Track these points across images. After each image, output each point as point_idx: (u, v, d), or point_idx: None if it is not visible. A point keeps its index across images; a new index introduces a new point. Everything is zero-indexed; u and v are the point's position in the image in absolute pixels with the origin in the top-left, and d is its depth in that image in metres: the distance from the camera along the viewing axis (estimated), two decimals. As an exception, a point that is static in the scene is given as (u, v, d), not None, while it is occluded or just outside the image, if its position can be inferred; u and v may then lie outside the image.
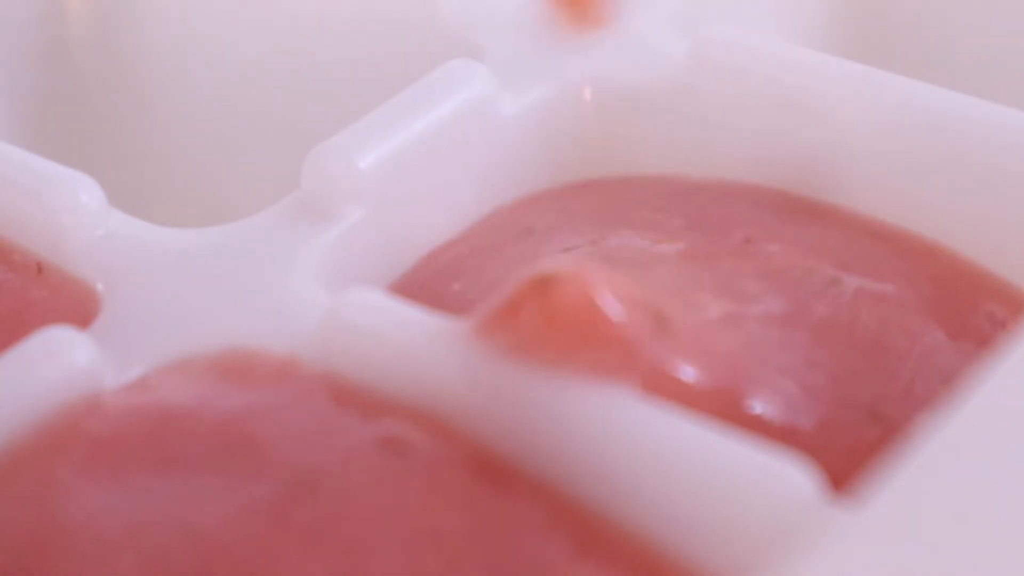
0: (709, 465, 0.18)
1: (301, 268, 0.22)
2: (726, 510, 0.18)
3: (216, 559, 0.18)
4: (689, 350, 0.20)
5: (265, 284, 0.22)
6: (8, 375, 0.20)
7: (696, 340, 0.20)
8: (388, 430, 0.19)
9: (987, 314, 0.22)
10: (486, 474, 0.19)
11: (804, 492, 0.18)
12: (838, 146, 0.24)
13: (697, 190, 0.25)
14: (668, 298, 0.21)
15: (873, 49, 0.32)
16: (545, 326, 0.19)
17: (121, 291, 0.22)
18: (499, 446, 0.19)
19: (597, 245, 0.23)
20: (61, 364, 0.20)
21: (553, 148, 0.26)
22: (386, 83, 0.25)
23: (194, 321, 0.22)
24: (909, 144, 0.24)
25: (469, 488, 0.19)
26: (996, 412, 0.18)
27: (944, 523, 0.17)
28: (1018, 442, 0.18)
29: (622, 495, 0.18)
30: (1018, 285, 0.23)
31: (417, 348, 0.20)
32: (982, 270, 0.23)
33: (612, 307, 0.19)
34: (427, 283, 0.23)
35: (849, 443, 0.20)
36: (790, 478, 0.18)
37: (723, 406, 0.20)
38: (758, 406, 0.20)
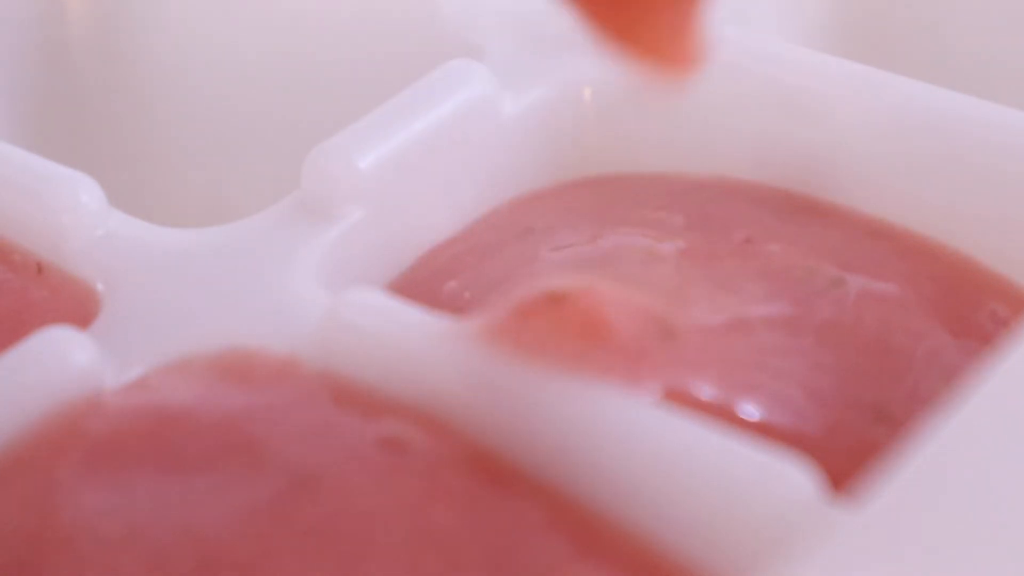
0: (709, 465, 0.18)
1: (301, 268, 0.22)
2: (726, 510, 0.18)
3: (216, 559, 0.18)
4: (696, 360, 0.20)
5: (265, 284, 0.22)
6: (8, 375, 0.20)
7: (703, 350, 0.20)
8: (388, 430, 0.19)
9: (989, 313, 0.22)
10: (486, 474, 0.19)
11: (804, 492, 0.18)
12: (838, 146, 0.24)
13: (697, 189, 0.25)
14: (673, 307, 0.21)
15: (873, 49, 0.32)
16: (554, 334, 0.19)
17: (121, 291, 0.22)
18: (499, 446, 0.19)
19: (596, 243, 0.23)
20: (61, 364, 0.20)
21: (553, 148, 0.26)
22: (386, 83, 0.25)
23: (194, 321, 0.22)
24: (909, 144, 0.24)
25: (469, 488, 0.19)
26: (997, 412, 0.18)
27: (944, 523, 0.17)
28: (1019, 442, 0.18)
29: (622, 495, 0.18)
30: (1020, 284, 0.23)
31: (417, 348, 0.20)
32: (984, 269, 0.23)
33: (621, 319, 0.19)
34: (426, 281, 0.23)
35: (855, 444, 0.20)
36: (790, 478, 0.18)
37: (730, 414, 0.19)
38: (765, 413, 0.20)
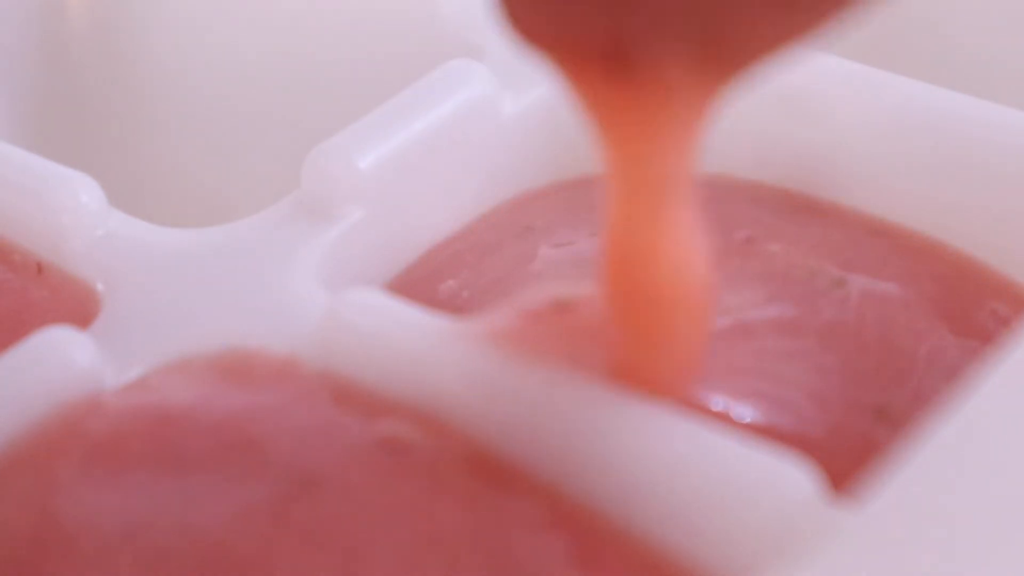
0: (710, 465, 0.18)
1: (301, 268, 0.22)
2: (727, 510, 0.18)
3: (216, 559, 0.18)
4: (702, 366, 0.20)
5: (265, 284, 0.22)
6: (8, 375, 0.20)
7: (708, 356, 0.20)
8: (388, 430, 0.19)
9: (990, 312, 0.22)
10: (485, 474, 0.19)
11: (805, 492, 0.18)
12: (838, 146, 0.24)
13: (697, 187, 0.25)
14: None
15: (873, 49, 0.32)
16: (560, 339, 0.19)
17: (121, 291, 0.22)
18: (499, 446, 0.19)
19: (595, 242, 0.23)
20: (61, 364, 0.20)
21: (553, 148, 0.26)
22: (386, 83, 0.25)
23: (194, 321, 0.22)
24: (909, 144, 0.24)
25: (468, 488, 0.19)
26: (998, 411, 0.18)
27: (944, 523, 0.17)
28: (1019, 441, 0.18)
29: (622, 495, 0.18)
30: (1020, 283, 0.23)
31: (417, 348, 0.20)
32: (984, 268, 0.23)
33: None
34: (425, 280, 0.23)
35: (858, 446, 0.20)
36: (791, 478, 0.18)
37: (733, 416, 0.19)
38: (768, 416, 0.20)
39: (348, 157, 0.23)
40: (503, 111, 0.25)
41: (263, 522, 0.18)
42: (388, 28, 0.30)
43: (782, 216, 0.24)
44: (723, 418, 0.20)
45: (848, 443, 0.20)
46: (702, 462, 0.18)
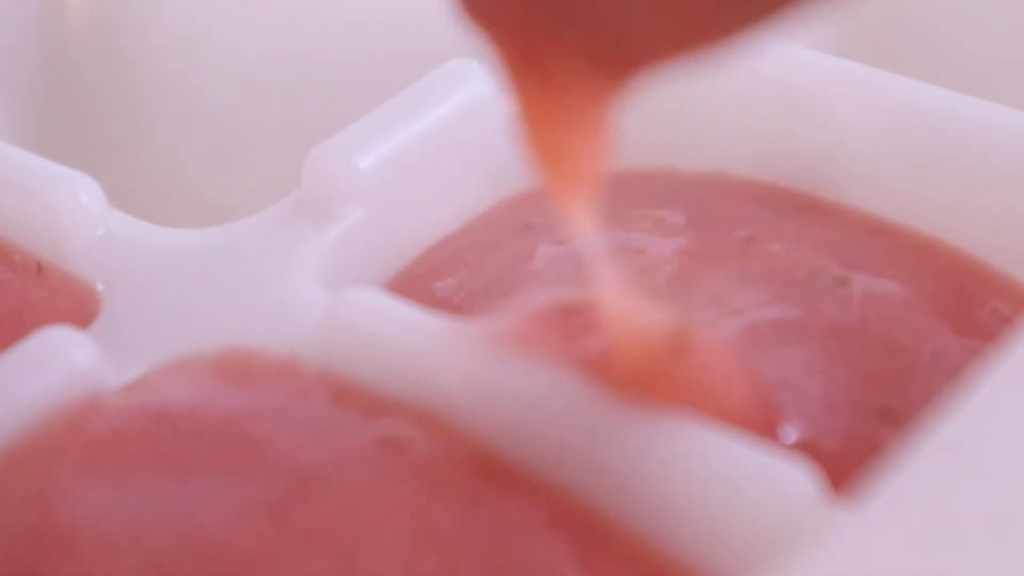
0: (710, 465, 0.18)
1: (301, 268, 0.22)
2: (727, 510, 0.18)
3: (216, 559, 0.18)
4: (708, 373, 0.20)
5: (265, 284, 0.22)
6: (8, 375, 0.20)
7: (715, 363, 0.20)
8: (387, 430, 0.19)
9: (991, 310, 0.22)
10: (486, 474, 0.19)
11: (805, 492, 0.18)
12: (838, 146, 0.24)
13: (698, 187, 0.25)
14: (678, 313, 0.21)
15: (873, 49, 0.32)
16: (567, 344, 0.19)
17: (121, 291, 0.22)
18: (499, 446, 0.19)
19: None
20: (61, 364, 0.20)
21: (553, 148, 0.26)
22: (386, 83, 0.25)
23: (194, 321, 0.22)
24: (909, 143, 0.24)
25: (469, 488, 0.19)
26: (998, 411, 0.18)
27: (945, 523, 0.17)
28: (1020, 441, 0.18)
29: (622, 495, 0.18)
30: (1021, 281, 0.23)
31: (417, 348, 0.20)
32: (985, 266, 0.23)
33: (633, 333, 0.19)
34: (424, 279, 0.23)
35: (866, 447, 0.20)
36: (791, 478, 0.18)
37: (743, 427, 0.19)
38: (778, 424, 0.20)
39: (348, 157, 0.23)
40: (503, 111, 0.25)
41: (263, 522, 0.18)
42: (388, 28, 0.30)
43: (783, 215, 0.24)
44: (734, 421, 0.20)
45: (853, 444, 0.20)
46: (702, 462, 0.18)
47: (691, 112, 0.25)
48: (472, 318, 0.21)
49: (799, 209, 0.24)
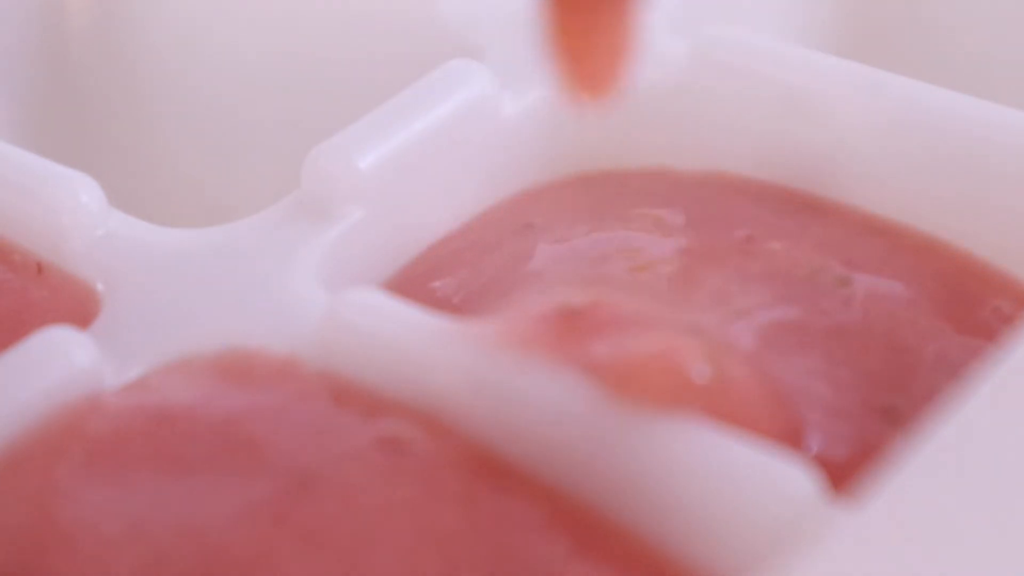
0: (709, 465, 0.18)
1: (301, 268, 0.22)
2: (726, 510, 0.18)
3: (216, 559, 0.18)
4: (730, 392, 0.20)
5: (265, 284, 0.22)
6: (8, 375, 0.20)
7: (720, 370, 0.20)
8: (387, 430, 0.19)
9: (993, 309, 0.22)
10: (486, 474, 0.19)
11: (805, 492, 0.18)
12: (839, 145, 0.24)
13: (697, 186, 0.25)
14: (681, 316, 0.21)
15: (873, 49, 0.32)
16: (567, 343, 0.19)
17: (121, 291, 0.22)
18: (499, 446, 0.19)
19: (595, 242, 0.23)
20: (61, 364, 0.20)
21: (553, 148, 0.26)
22: (386, 83, 0.25)
23: (194, 321, 0.22)
24: (909, 143, 0.24)
25: (469, 488, 0.19)
26: (999, 410, 0.18)
27: (945, 523, 0.17)
28: (1019, 441, 0.18)
29: (622, 495, 0.18)
30: (1022, 280, 0.23)
31: (417, 348, 0.20)
32: (986, 265, 0.23)
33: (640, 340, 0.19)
34: (424, 278, 0.23)
35: (870, 447, 0.20)
36: (791, 478, 0.18)
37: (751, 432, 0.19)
38: (800, 436, 0.20)
39: (348, 157, 0.23)
40: (503, 111, 0.25)
41: (263, 522, 0.18)
42: (388, 28, 0.30)
43: (783, 215, 0.24)
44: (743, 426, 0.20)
45: (858, 444, 0.20)
46: (702, 462, 0.18)
47: (691, 112, 0.25)
48: (473, 318, 0.21)
49: (799, 208, 0.24)
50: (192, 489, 0.19)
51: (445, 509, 0.18)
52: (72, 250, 0.23)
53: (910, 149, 0.24)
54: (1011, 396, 0.19)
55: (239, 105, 0.32)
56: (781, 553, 0.17)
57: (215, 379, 0.21)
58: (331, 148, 0.23)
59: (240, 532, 0.18)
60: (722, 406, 0.19)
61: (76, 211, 0.23)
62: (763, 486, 0.18)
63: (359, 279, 0.23)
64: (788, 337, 0.21)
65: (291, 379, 0.21)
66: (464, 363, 0.20)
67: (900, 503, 0.17)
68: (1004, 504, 0.17)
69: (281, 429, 0.19)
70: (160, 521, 0.18)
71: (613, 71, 0.19)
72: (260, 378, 0.21)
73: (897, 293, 0.22)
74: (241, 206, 0.25)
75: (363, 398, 0.20)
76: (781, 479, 0.18)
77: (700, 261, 0.23)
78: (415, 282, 0.23)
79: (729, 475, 0.18)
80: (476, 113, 0.25)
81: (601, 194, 0.25)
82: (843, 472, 0.19)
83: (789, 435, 0.19)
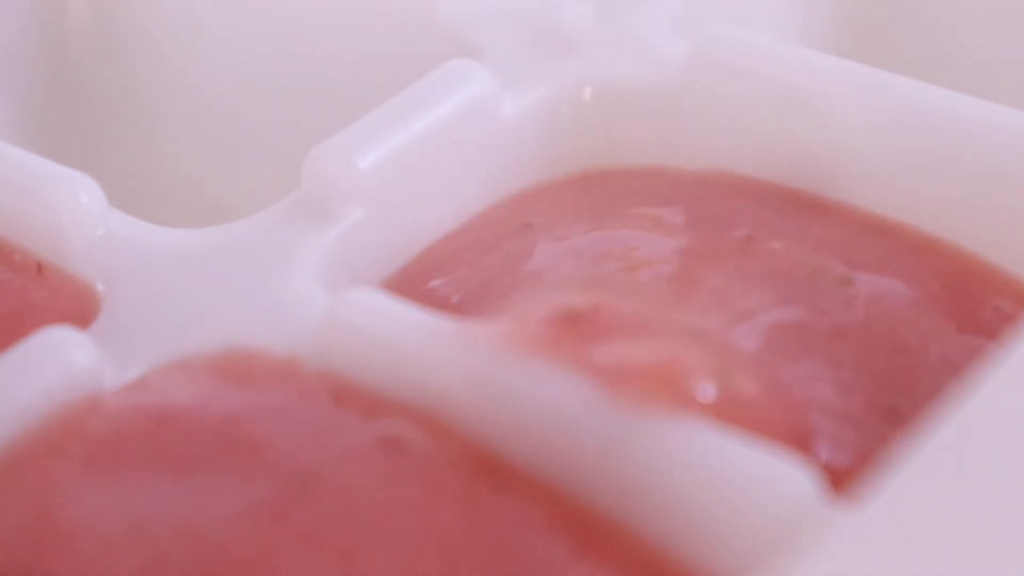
0: (709, 465, 0.18)
1: (301, 268, 0.22)
2: (726, 510, 0.18)
3: (216, 559, 0.18)
4: (718, 391, 0.20)
5: (265, 284, 0.22)
6: (8, 375, 0.20)
7: (725, 380, 0.20)
8: (388, 430, 0.19)
9: (994, 309, 0.22)
10: (486, 474, 0.19)
11: (805, 492, 0.18)
12: (839, 145, 0.24)
13: (697, 185, 0.25)
14: (692, 322, 0.21)
15: (873, 49, 0.32)
16: (568, 345, 0.19)
17: (121, 291, 0.22)
18: (499, 446, 0.19)
19: (595, 241, 0.23)
20: (61, 364, 0.20)
21: (553, 148, 0.26)
22: (386, 83, 0.25)
23: (194, 321, 0.22)
24: (909, 143, 0.24)
25: (469, 488, 0.19)
26: (999, 410, 0.18)
27: (945, 522, 0.17)
28: (1020, 441, 0.18)
29: (622, 495, 0.18)
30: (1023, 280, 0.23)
31: (417, 348, 0.20)
32: (987, 264, 0.23)
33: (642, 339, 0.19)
34: (423, 277, 0.23)
35: (874, 447, 0.20)
36: (791, 478, 0.18)
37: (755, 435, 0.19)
38: (792, 437, 0.20)
39: (348, 157, 0.23)
40: (503, 111, 0.25)
41: (263, 522, 0.18)
42: (388, 28, 0.30)
43: (783, 214, 0.24)
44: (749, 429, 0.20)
45: (861, 445, 0.20)
46: (702, 462, 0.18)
47: (691, 112, 0.25)
48: (473, 318, 0.21)
49: (800, 208, 0.24)
50: (192, 489, 0.19)
51: (445, 509, 0.18)
52: (72, 250, 0.23)
53: (910, 149, 0.24)
54: (1012, 396, 0.19)
55: (239, 105, 0.32)
56: (781, 553, 0.17)
57: (215, 379, 0.21)
58: (331, 148, 0.23)
59: (240, 532, 0.18)
60: (728, 415, 0.19)
61: (76, 211, 0.23)
62: (763, 486, 0.18)
63: (359, 279, 0.23)
64: (790, 339, 0.21)
65: (291, 379, 0.21)
66: (464, 363, 0.20)
67: (900, 503, 0.17)
68: (1005, 504, 0.17)
69: (281, 429, 0.19)
70: (160, 521, 0.18)
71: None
72: (260, 378, 0.21)
73: (898, 293, 0.22)
74: (241, 206, 0.25)
75: (363, 398, 0.20)
76: (781, 479, 0.18)
77: (700, 261, 0.23)
78: (415, 281, 0.23)
79: (729, 475, 0.18)
80: (476, 113, 0.25)
81: (601, 193, 0.25)
82: (846, 473, 0.19)
83: (797, 443, 0.19)
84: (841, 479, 0.19)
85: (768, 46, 0.25)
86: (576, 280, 0.22)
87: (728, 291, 0.22)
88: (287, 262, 0.22)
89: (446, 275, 0.23)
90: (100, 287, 0.23)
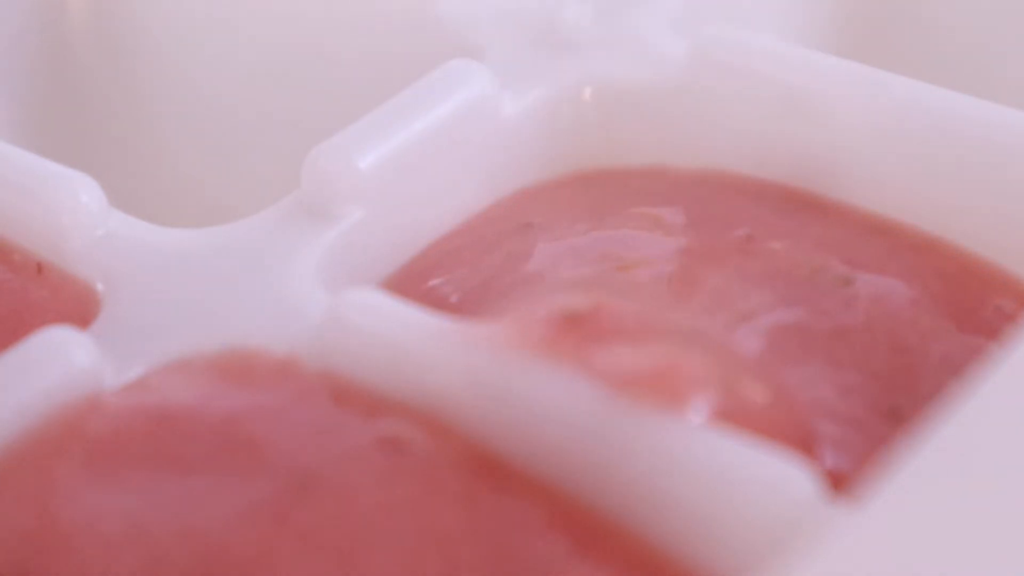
0: (709, 465, 0.18)
1: (301, 268, 0.22)
2: (726, 510, 0.18)
3: (216, 559, 0.18)
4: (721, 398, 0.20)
5: (265, 284, 0.22)
6: (8, 375, 0.20)
7: (728, 385, 0.20)
8: (388, 430, 0.19)
9: (995, 308, 0.22)
10: (486, 474, 0.19)
11: (805, 492, 0.18)
12: (839, 145, 0.24)
13: (697, 184, 0.25)
14: (693, 325, 0.21)
15: (873, 49, 0.32)
16: (570, 347, 0.19)
17: (121, 291, 0.22)
18: (499, 446, 0.19)
19: (595, 241, 0.23)
20: (61, 364, 0.20)
21: (553, 148, 0.26)
22: (386, 83, 0.25)
23: (194, 321, 0.22)
24: (909, 143, 0.24)
25: (469, 488, 0.19)
26: (1000, 409, 0.18)
27: (945, 522, 0.17)
28: (1020, 440, 0.18)
29: (622, 495, 0.18)
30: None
31: (417, 348, 0.20)
32: (988, 264, 0.23)
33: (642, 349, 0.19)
34: (423, 276, 0.23)
35: (876, 447, 0.20)
36: (790, 478, 0.18)
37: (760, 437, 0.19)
38: (795, 442, 0.20)
39: (348, 157, 0.23)
40: (503, 111, 0.25)
41: (263, 522, 0.18)
42: (388, 28, 0.30)
43: (783, 214, 0.24)
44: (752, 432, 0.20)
45: (863, 446, 0.20)
46: (702, 462, 0.18)
47: (691, 111, 0.25)
48: (473, 317, 0.21)
49: (800, 208, 0.24)
50: (192, 489, 0.19)
51: (445, 509, 0.18)
52: (72, 250, 0.23)
53: (910, 149, 0.24)
54: (1012, 395, 0.19)
55: (239, 105, 0.32)
56: (781, 553, 0.17)
57: (215, 379, 0.21)
58: (331, 148, 0.23)
59: (240, 532, 0.18)
60: (731, 421, 0.19)
61: (76, 211, 0.23)
62: (763, 486, 0.18)
63: (359, 279, 0.23)
64: (791, 340, 0.21)
65: (291, 379, 0.21)
66: (464, 363, 0.20)
67: (900, 503, 0.17)
68: (1005, 504, 0.17)
69: (281, 429, 0.19)
70: (160, 521, 0.18)
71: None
72: (260, 378, 0.21)
73: (899, 293, 0.22)
74: (241, 206, 0.25)
75: (363, 398, 0.20)
76: (781, 479, 0.18)
77: (700, 261, 0.23)
78: (414, 281, 0.23)
79: (729, 475, 0.18)
80: (476, 113, 0.25)
81: (601, 193, 0.25)
82: (848, 474, 0.19)
83: (801, 448, 0.19)
84: (844, 481, 0.19)
85: (768, 46, 0.25)
86: (576, 280, 0.22)
87: (728, 291, 0.22)
88: (287, 262, 0.23)
89: (446, 274, 0.23)
90: (100, 287, 0.23)
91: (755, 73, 0.25)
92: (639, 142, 0.26)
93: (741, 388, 0.19)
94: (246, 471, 0.19)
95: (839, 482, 0.19)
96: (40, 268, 0.23)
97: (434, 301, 0.22)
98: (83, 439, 0.19)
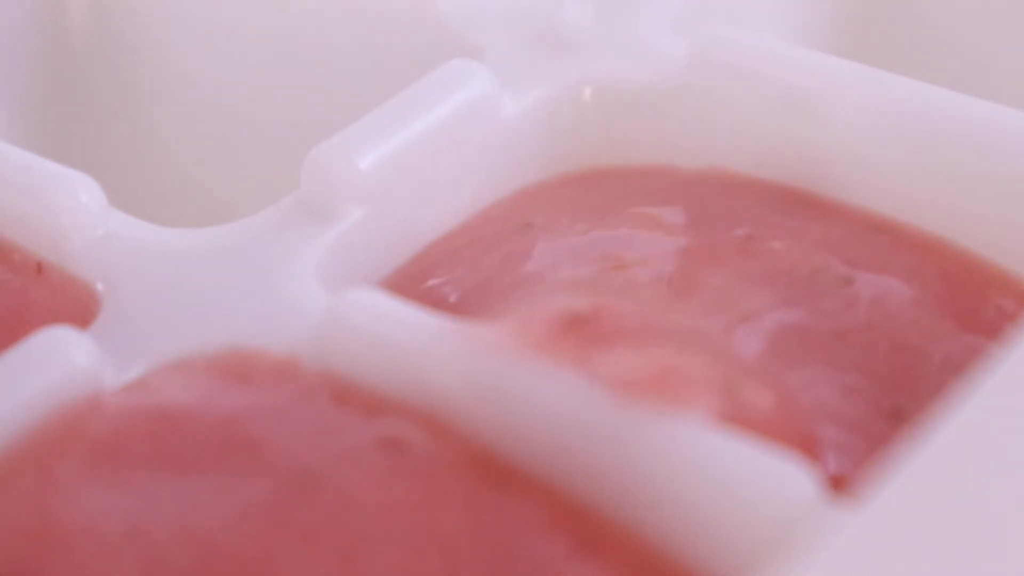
0: (709, 465, 0.18)
1: (301, 268, 0.22)
2: (727, 510, 0.18)
3: (216, 559, 0.18)
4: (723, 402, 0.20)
5: (265, 284, 0.22)
6: (8, 375, 0.20)
7: (729, 390, 0.20)
8: (388, 430, 0.19)
9: (996, 308, 0.22)
10: (486, 474, 0.19)
11: (805, 492, 0.18)
12: (839, 145, 0.24)
13: (697, 184, 0.25)
14: (693, 326, 0.21)
15: (873, 49, 0.32)
16: (571, 348, 0.19)
17: (121, 291, 0.22)
18: (499, 446, 0.19)
19: (595, 240, 0.23)
20: (61, 364, 0.20)
21: (553, 148, 0.26)
22: (386, 83, 0.25)
23: (194, 321, 0.22)
24: (909, 143, 0.24)
25: (469, 488, 0.19)
26: (1000, 409, 0.18)
27: (945, 522, 0.17)
28: (1021, 440, 0.18)
29: (622, 495, 0.18)
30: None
31: (417, 348, 0.20)
32: (988, 263, 0.23)
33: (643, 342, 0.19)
34: (423, 276, 0.23)
35: (877, 448, 0.20)
36: (790, 478, 0.18)
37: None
38: (815, 454, 0.20)
39: (348, 157, 0.23)
40: (503, 111, 0.25)
41: (263, 522, 0.18)
42: (388, 28, 0.30)
43: (784, 213, 0.24)
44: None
45: (865, 447, 0.20)
46: (702, 462, 0.18)
47: (691, 111, 0.25)
48: (472, 317, 0.21)
49: (800, 207, 0.24)
50: (192, 489, 0.19)
51: (445, 509, 0.18)
52: (72, 250, 0.23)
53: (910, 149, 0.24)
54: (1013, 395, 0.19)
55: (239, 105, 0.32)
56: (781, 553, 0.17)
57: (215, 379, 0.21)
58: (331, 148, 0.23)
59: (240, 532, 0.18)
60: (733, 425, 0.19)
61: (76, 211, 0.23)
62: (763, 486, 0.18)
63: (359, 279, 0.23)
64: (791, 341, 0.21)
65: (291, 379, 0.21)
66: (464, 363, 0.20)
67: (900, 503, 0.17)
68: (1005, 504, 0.17)
69: (281, 429, 0.19)
70: (160, 521, 0.18)
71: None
72: (260, 378, 0.21)
73: (900, 292, 0.22)
74: (241, 206, 0.25)
75: (363, 398, 0.20)
76: (781, 479, 0.18)
77: (700, 260, 0.23)
78: (414, 280, 0.23)
79: (729, 475, 0.18)
80: (476, 113, 0.25)
81: (601, 193, 0.25)
82: (849, 475, 0.19)
83: (804, 451, 0.19)
84: (845, 482, 0.19)
85: (768, 46, 0.25)
86: (576, 280, 0.22)
87: (728, 291, 0.22)
88: (287, 262, 0.23)
89: (445, 274, 0.23)
90: (100, 287, 0.23)
91: (755, 73, 0.25)
92: (639, 142, 0.26)
93: (741, 389, 0.19)
94: (246, 471, 0.19)
95: (840, 482, 0.19)
96: (40, 268, 0.23)
97: (434, 301, 0.22)
98: (83, 439, 0.19)
